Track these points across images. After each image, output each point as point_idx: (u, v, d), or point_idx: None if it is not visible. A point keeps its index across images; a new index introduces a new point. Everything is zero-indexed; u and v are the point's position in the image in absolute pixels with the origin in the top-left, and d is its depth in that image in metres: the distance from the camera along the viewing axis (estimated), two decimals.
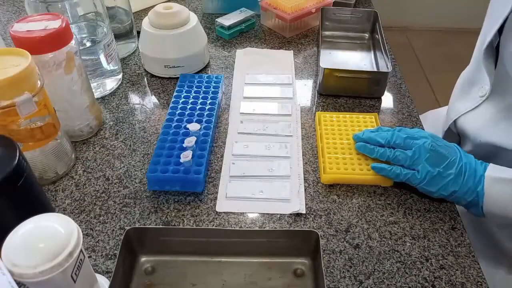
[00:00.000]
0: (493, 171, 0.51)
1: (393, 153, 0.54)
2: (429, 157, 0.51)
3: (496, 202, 0.51)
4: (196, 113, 0.64)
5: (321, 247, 0.44)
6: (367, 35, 0.88)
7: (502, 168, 0.52)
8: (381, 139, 0.56)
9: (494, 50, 0.61)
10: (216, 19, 0.88)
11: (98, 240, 0.50)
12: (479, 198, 0.51)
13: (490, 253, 0.63)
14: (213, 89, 0.68)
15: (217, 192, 0.56)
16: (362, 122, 0.65)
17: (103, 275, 0.46)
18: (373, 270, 0.48)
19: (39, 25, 0.53)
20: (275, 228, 0.52)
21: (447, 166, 0.51)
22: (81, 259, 0.36)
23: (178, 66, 0.74)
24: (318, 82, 0.73)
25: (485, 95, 0.63)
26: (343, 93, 0.72)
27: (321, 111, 0.69)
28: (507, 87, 0.59)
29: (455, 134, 0.71)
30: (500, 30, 0.58)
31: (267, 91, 0.73)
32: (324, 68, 0.69)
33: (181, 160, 0.55)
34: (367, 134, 0.58)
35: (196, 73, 0.77)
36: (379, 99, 0.72)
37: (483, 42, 0.60)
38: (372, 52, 0.83)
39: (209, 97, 0.67)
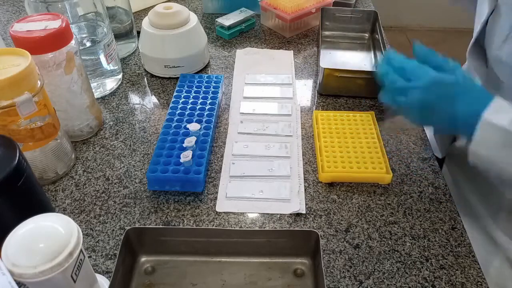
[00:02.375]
0: (491, 113, 0.48)
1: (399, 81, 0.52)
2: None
3: (484, 148, 0.49)
4: (196, 113, 0.64)
5: (321, 247, 0.44)
6: (367, 35, 0.88)
7: (503, 110, 0.49)
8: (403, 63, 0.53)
9: (484, 52, 0.62)
10: (216, 19, 0.88)
11: (98, 240, 0.50)
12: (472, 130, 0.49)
13: (484, 245, 0.64)
14: (213, 89, 0.68)
15: (217, 192, 0.56)
16: (359, 121, 0.65)
17: (103, 275, 0.46)
18: (373, 270, 0.48)
19: (39, 25, 0.53)
20: (275, 228, 0.52)
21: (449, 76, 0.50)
22: (81, 259, 0.36)
23: (178, 66, 0.74)
24: (318, 82, 0.73)
25: None
26: (343, 93, 0.72)
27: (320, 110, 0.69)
28: (497, 87, 0.60)
29: None
30: (483, 34, 0.59)
31: (267, 91, 0.73)
32: (324, 68, 0.69)
33: (181, 160, 0.55)
34: (398, 59, 0.54)
35: (196, 73, 0.77)
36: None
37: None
38: (372, 52, 0.83)
39: (209, 97, 0.67)
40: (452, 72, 0.51)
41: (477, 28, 0.59)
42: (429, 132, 0.76)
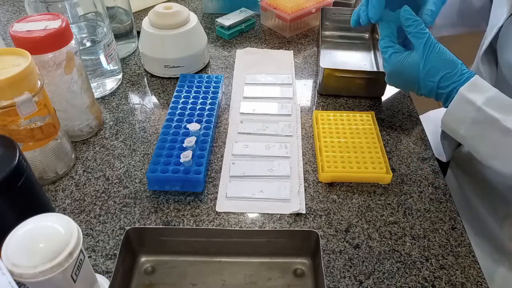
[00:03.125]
0: (468, 89, 0.51)
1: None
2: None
3: (454, 120, 0.52)
4: (196, 113, 0.64)
5: (321, 247, 0.44)
6: (367, 35, 0.88)
7: (480, 88, 0.51)
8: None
9: (495, 56, 0.61)
10: (216, 19, 0.88)
11: (98, 240, 0.50)
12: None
13: (490, 252, 0.63)
14: (213, 89, 0.68)
15: (217, 192, 0.56)
16: (359, 121, 0.65)
17: (103, 275, 0.46)
18: (373, 270, 0.48)
19: (39, 25, 0.53)
20: (275, 228, 0.52)
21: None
22: (81, 259, 0.36)
23: (178, 66, 0.74)
24: (318, 82, 0.73)
25: None
26: (343, 93, 0.72)
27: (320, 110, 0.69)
28: (507, 92, 0.59)
29: None
30: (496, 38, 0.58)
31: (267, 91, 0.73)
32: (324, 68, 0.69)
33: (181, 160, 0.55)
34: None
35: (196, 73, 0.77)
36: (379, 99, 0.72)
37: (481, 47, 0.61)
38: (372, 52, 0.83)
39: (209, 97, 0.67)
40: (419, 51, 0.54)
41: (491, 32, 0.59)
42: (435, 136, 0.75)
